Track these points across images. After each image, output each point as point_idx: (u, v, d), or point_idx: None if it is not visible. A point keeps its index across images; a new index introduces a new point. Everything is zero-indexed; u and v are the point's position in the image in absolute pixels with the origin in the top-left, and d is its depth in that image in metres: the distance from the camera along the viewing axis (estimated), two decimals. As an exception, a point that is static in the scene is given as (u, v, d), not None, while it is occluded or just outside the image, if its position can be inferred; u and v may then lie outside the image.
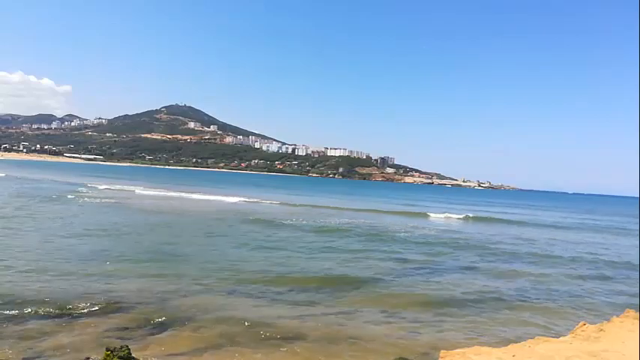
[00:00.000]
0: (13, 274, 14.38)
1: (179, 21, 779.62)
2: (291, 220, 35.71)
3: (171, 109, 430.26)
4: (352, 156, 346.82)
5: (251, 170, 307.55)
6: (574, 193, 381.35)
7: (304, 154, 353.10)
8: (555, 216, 68.17)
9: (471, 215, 52.65)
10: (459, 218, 49.94)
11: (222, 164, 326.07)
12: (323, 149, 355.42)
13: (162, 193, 57.05)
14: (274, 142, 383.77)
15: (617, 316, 10.45)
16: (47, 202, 37.07)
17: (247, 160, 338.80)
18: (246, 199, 55.29)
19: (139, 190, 57.61)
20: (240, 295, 14.13)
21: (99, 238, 22.24)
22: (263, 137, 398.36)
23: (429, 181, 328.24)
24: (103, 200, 41.72)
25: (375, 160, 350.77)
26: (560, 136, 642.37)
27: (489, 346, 8.87)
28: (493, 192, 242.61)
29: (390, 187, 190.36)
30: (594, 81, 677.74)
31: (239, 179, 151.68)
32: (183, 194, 57.00)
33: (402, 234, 32.21)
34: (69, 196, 42.44)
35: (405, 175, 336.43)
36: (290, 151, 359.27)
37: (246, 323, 11.45)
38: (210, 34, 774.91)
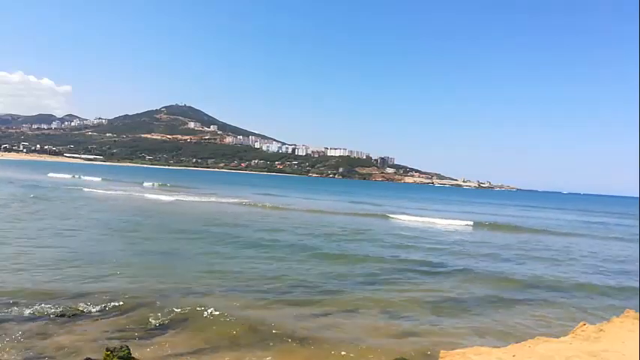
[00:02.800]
0: (12, 274, 14.39)
1: (179, 21, 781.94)
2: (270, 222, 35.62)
3: (171, 109, 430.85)
4: (352, 156, 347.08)
5: (251, 170, 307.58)
6: (569, 193, 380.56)
7: (304, 154, 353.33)
8: (548, 217, 68.07)
9: (466, 219, 51.97)
10: (454, 224, 49.37)
11: (222, 164, 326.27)
12: (323, 149, 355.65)
13: (111, 192, 53.29)
14: (274, 142, 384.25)
15: (617, 316, 10.44)
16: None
17: (247, 160, 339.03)
18: (183, 198, 51.85)
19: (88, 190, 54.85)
20: (239, 295, 14.11)
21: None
22: (263, 137, 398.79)
23: (429, 181, 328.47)
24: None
25: (375, 160, 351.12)
26: (561, 136, 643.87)
27: (489, 346, 8.86)
28: (492, 192, 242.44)
29: (390, 187, 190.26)
30: (594, 81, 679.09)
31: (236, 179, 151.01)
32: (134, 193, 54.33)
33: (402, 235, 32.18)
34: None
35: (405, 175, 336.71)
36: (290, 151, 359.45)
37: (245, 323, 11.43)
38: (210, 34, 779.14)
